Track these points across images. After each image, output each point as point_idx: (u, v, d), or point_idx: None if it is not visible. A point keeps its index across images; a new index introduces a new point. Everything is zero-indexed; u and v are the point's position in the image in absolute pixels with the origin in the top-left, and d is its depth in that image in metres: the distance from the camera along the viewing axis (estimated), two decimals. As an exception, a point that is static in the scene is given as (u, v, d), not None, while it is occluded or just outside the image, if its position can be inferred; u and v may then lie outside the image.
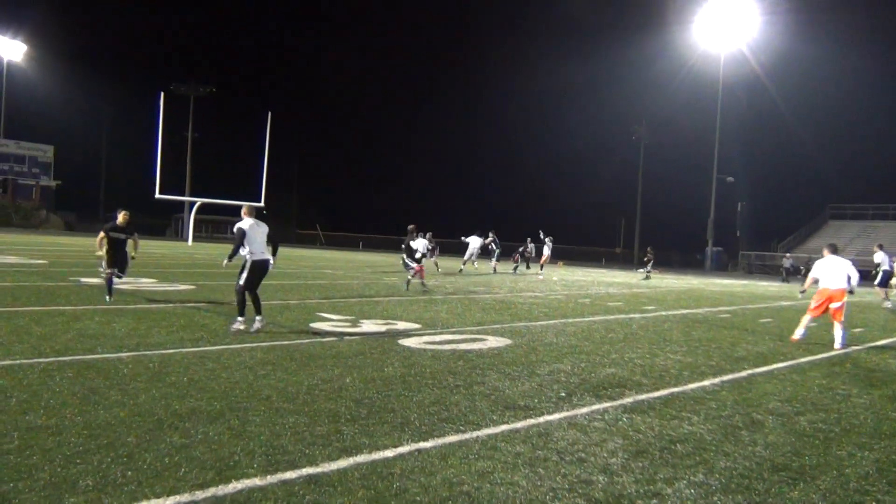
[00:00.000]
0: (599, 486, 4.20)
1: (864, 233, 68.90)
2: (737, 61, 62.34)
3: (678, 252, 75.51)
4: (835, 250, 12.03)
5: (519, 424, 5.49)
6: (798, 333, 11.77)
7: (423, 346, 9.05)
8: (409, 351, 8.70)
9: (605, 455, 4.81)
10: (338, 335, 9.56)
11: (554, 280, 28.47)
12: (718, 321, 14.61)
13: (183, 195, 54.20)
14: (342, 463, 4.36)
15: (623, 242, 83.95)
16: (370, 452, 4.59)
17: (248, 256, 9.50)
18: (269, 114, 30.51)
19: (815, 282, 11.76)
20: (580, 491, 4.09)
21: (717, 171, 63.85)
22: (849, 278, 11.49)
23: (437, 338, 9.88)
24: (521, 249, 36.49)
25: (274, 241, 10.01)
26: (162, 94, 27.18)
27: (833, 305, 11.32)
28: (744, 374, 8.35)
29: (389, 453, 4.60)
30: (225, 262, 9.83)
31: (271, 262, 9.86)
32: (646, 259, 37.41)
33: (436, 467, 4.37)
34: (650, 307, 17.21)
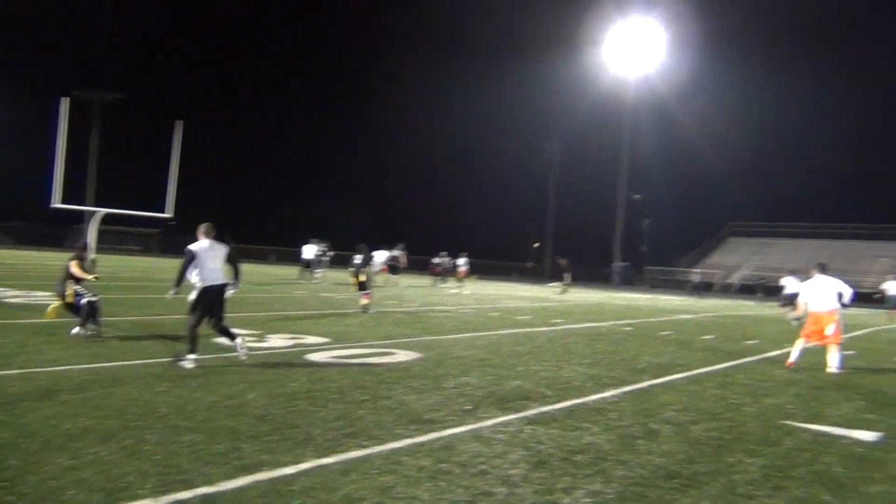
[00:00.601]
0: (500, 497, 4.24)
1: (762, 249, 72.49)
2: (644, 84, 64.77)
3: (587, 267, 77.42)
4: (823, 270, 11.49)
5: (423, 438, 5.49)
6: (792, 357, 11.10)
7: (331, 361, 8.96)
8: (317, 365, 8.59)
9: (507, 466, 4.87)
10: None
11: (466, 294, 28.70)
12: (622, 334, 15.04)
13: (84, 205, 51.99)
14: (240, 481, 4.26)
15: (537, 257, 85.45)
16: (270, 470, 4.50)
17: (198, 283, 8.31)
18: (181, 123, 29.66)
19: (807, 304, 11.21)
20: (480, 503, 4.13)
21: (624, 188, 65.95)
22: (839, 296, 11.01)
23: (346, 352, 9.80)
24: (436, 262, 36.68)
25: (235, 262, 8.86)
26: (64, 100, 25.99)
27: (827, 331, 10.76)
28: (644, 384, 8.62)
29: (290, 470, 4.52)
30: (171, 291, 8.38)
31: (229, 286, 8.61)
32: (564, 270, 37.92)
33: (337, 483, 4.33)
34: (558, 321, 17.57)
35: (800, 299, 11.56)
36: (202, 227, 8.63)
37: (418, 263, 48.87)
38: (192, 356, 8.02)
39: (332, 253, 30.90)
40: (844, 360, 10.85)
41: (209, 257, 8.36)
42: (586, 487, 4.52)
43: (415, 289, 30.59)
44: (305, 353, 9.45)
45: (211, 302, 8.34)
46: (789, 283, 23.73)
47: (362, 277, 16.49)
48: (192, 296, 8.35)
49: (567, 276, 36.86)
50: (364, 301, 16.40)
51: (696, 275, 48.33)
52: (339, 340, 10.98)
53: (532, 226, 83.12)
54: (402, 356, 9.71)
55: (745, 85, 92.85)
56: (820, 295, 11.11)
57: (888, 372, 11.13)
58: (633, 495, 4.43)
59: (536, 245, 37.03)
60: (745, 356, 12.17)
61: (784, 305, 23.58)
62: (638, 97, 65.47)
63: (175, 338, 9.90)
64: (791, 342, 15.16)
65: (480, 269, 63.89)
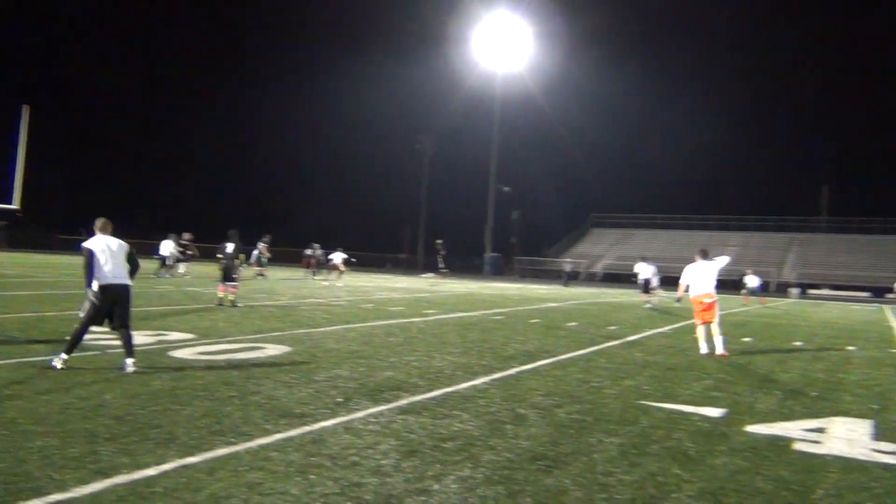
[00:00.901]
0: (370, 487, 4.26)
1: (622, 240, 76.18)
2: (513, 79, 66.38)
3: (459, 258, 78.66)
4: (705, 255, 12.27)
5: (293, 432, 5.42)
6: (703, 348, 11.64)
7: (197, 357, 8.66)
8: (181, 362, 8.28)
9: (378, 457, 4.89)
10: (99, 349, 8.86)
11: (338, 286, 28.47)
12: (492, 323, 15.42)
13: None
14: (97, 486, 4.05)
15: (408, 248, 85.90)
16: (130, 472, 4.30)
17: (94, 282, 7.70)
18: (27, 108, 27.54)
19: (687, 289, 12.02)
20: (351, 494, 4.13)
21: (494, 180, 67.40)
22: (714, 280, 11.84)
23: (212, 348, 9.50)
24: (308, 254, 36.16)
25: (133, 261, 8.14)
26: None
27: (706, 311, 11.59)
28: (512, 371, 8.88)
29: (152, 471, 4.34)
30: (90, 294, 7.70)
31: (131, 285, 8.11)
32: (440, 255, 38.41)
33: (203, 482, 4.20)
34: (430, 311, 17.77)
35: (681, 282, 12.31)
36: (98, 223, 8.04)
37: (291, 256, 47.96)
38: (64, 356, 7.49)
39: (186, 244, 28.86)
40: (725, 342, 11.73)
41: (108, 254, 7.77)
42: (456, 473, 4.62)
43: (286, 281, 30.04)
44: (169, 350, 9.08)
45: (110, 303, 7.75)
46: (642, 270, 25.60)
47: (244, 266, 16.08)
48: (88, 296, 7.73)
49: (441, 259, 37.65)
50: (231, 295, 15.91)
51: (567, 264, 50.10)
52: (204, 336, 10.63)
53: (406, 217, 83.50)
54: (272, 350, 9.52)
55: (609, 81, 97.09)
56: (699, 279, 11.90)
57: (735, 353, 12.00)
58: (501, 478, 4.57)
59: (440, 246, 37.91)
60: (606, 341, 12.78)
61: (645, 292, 25.39)
62: (506, 91, 67.03)
63: (27, 341, 9.26)
64: (648, 327, 16.08)
65: (354, 261, 63.52)
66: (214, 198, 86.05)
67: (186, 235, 29.36)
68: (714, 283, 11.87)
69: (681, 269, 12.57)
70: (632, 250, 69.47)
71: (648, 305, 24.42)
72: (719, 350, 11.46)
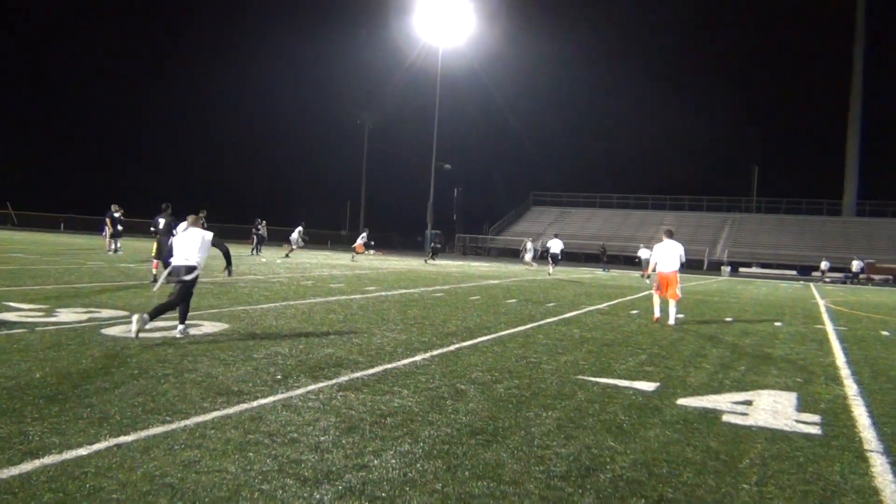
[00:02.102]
0: (309, 464, 4.25)
1: (561, 218, 77.19)
2: (455, 55, 66.15)
3: (400, 235, 78.54)
4: (671, 235, 13.41)
5: (231, 410, 5.36)
6: (656, 312, 13.23)
7: (130, 335, 8.45)
8: (114, 340, 8.08)
9: (318, 434, 4.88)
10: (28, 326, 8.57)
11: (277, 263, 28.12)
12: (433, 300, 15.48)
13: None
14: (25, 467, 3.93)
15: (349, 225, 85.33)
16: (60, 452, 4.19)
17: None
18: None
19: (656, 265, 13.14)
20: (290, 471, 4.11)
21: (435, 157, 67.29)
22: (680, 258, 13.02)
23: (147, 325, 9.27)
24: (255, 231, 35.65)
25: (207, 249, 9.28)
26: None
27: (673, 288, 12.86)
28: (452, 347, 8.95)
29: (83, 451, 4.24)
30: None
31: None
32: (369, 242, 38.98)
33: (137, 462, 4.12)
34: (371, 288, 17.73)
35: (650, 260, 13.44)
36: (190, 217, 9.33)
37: (233, 232, 47.10)
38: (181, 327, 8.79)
39: (116, 217, 27.17)
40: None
41: (186, 240, 8.92)
42: (395, 448, 4.64)
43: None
44: (101, 328, 8.85)
45: (175, 280, 8.90)
46: (553, 245, 33.27)
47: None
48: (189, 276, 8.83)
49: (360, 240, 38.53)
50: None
51: (529, 243, 50.09)
52: (138, 313, 10.36)
53: (347, 194, 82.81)
54: (209, 328, 9.37)
55: (550, 59, 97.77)
56: (666, 257, 13.00)
57: (667, 328, 12.34)
58: (440, 453, 4.61)
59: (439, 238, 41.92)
60: (545, 318, 12.97)
61: (555, 263, 33.08)
62: (448, 67, 66.79)
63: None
64: (586, 304, 16.38)
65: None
66: (155, 172, 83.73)
67: (114, 208, 27.81)
68: (678, 261, 12.98)
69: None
70: (570, 228, 70.52)
71: (550, 273, 31.65)
72: (671, 321, 12.85)
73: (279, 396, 5.87)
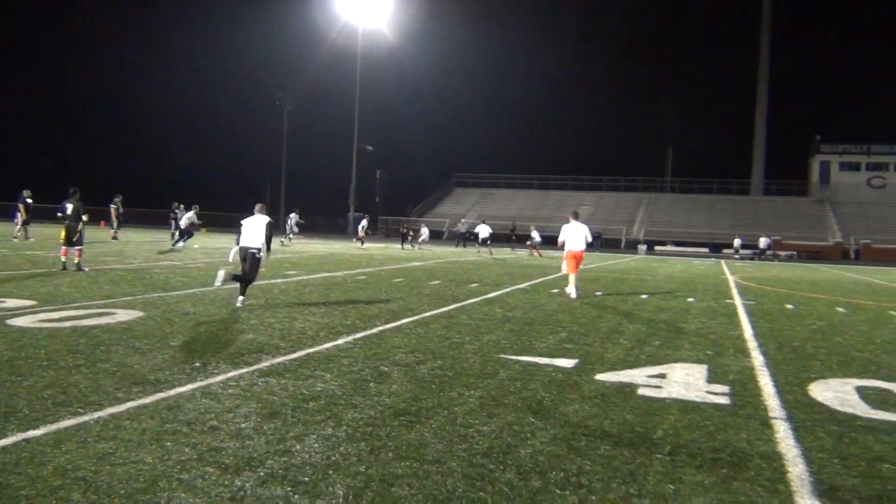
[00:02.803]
0: (230, 451, 4.19)
1: (483, 199, 77.77)
2: (376, 35, 65.41)
3: (323, 217, 77.67)
4: (577, 216, 14.61)
5: (147, 400, 5.21)
6: (573, 292, 14.11)
7: (39, 325, 8.11)
8: (21, 331, 7.73)
9: (238, 420, 4.81)
10: (-75, 319, 8.11)
11: (195, 248, 27.40)
12: (356, 283, 15.39)
13: None
14: (-76, 466, 3.74)
15: (269, 209, 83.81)
16: (-37, 449, 4.00)
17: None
18: None
19: (563, 244, 14.26)
20: (209, 459, 4.04)
21: (357, 139, 66.64)
22: (586, 238, 14.16)
23: (56, 315, 8.92)
24: (173, 215, 34.60)
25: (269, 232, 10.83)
26: None
27: (578, 264, 14.21)
28: (375, 330, 8.93)
29: (-12, 448, 4.06)
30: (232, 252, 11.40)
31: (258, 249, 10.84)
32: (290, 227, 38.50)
33: (47, 456, 3.97)
34: (292, 272, 17.49)
35: (559, 239, 14.44)
36: (257, 206, 11.36)
37: (147, 217, 45.61)
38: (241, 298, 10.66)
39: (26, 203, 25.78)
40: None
41: (247, 225, 10.85)
42: (318, 433, 4.62)
43: (139, 244, 28.56)
44: (6, 319, 8.45)
45: (242, 259, 10.88)
46: (482, 230, 36.04)
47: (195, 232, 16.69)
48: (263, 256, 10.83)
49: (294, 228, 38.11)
50: (76, 258, 14.95)
51: (462, 224, 49.80)
52: (47, 302, 9.96)
53: (266, 176, 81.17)
54: (123, 316, 9.07)
55: (471, 41, 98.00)
56: (574, 237, 14.17)
57: (587, 307, 12.65)
58: (363, 435, 4.62)
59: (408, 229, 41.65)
60: (468, 298, 13.09)
61: (483, 245, 35.80)
62: (368, 48, 66.05)
63: None
64: (507, 284, 16.60)
65: (213, 222, 61.25)
66: (65, 155, 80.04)
67: (27, 193, 26.46)
68: (584, 240, 14.17)
69: (542, 227, 14.54)
70: (492, 209, 71.15)
71: (486, 254, 34.01)
72: (574, 294, 14.05)
73: (198, 384, 5.75)
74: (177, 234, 33.47)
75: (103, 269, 15.64)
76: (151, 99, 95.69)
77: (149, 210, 59.19)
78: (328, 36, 65.82)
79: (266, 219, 10.87)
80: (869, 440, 5.07)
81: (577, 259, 14.23)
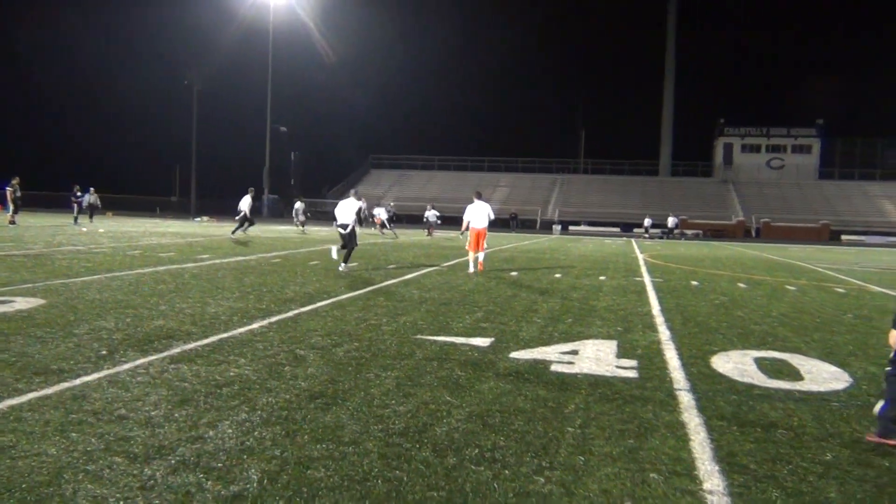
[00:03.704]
0: (139, 440, 4.08)
1: (400, 181, 77.58)
2: (288, 12, 63.92)
3: (236, 200, 75.87)
4: (480, 196, 16.09)
5: (50, 390, 5.01)
6: (471, 268, 15.40)
7: (333, 256, 7.67)
8: None
9: (148, 409, 4.68)
10: None
11: (100, 232, 26.34)
12: (271, 266, 15.14)
13: None
14: None
15: (179, 191, 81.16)
16: None
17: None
18: None
19: (468, 223, 15.52)
20: (118, 449, 3.93)
21: (270, 120, 65.24)
22: (489, 216, 15.49)
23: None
24: (75, 198, 33.08)
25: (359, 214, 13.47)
26: None
27: (481, 240, 15.40)
28: (291, 314, 8.83)
29: None
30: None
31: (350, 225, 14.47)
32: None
33: (-60, 452, 3.78)
34: (204, 256, 17.05)
35: (464, 218, 15.73)
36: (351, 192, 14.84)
37: (49, 200, 43.55)
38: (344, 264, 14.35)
39: None
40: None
41: (341, 206, 14.66)
42: (232, 418, 4.55)
43: (41, 228, 27.23)
44: None
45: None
46: (380, 212, 35.03)
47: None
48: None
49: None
50: None
51: (432, 212, 45.44)
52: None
53: (176, 158, 78.61)
54: (23, 304, 8.66)
55: (386, 21, 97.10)
56: (477, 216, 15.48)
57: (502, 285, 12.85)
58: (279, 419, 4.58)
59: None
60: (385, 280, 13.08)
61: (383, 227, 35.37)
62: (280, 25, 64.54)
63: None
64: (425, 265, 16.67)
65: (119, 205, 59.02)
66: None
67: None
68: (487, 218, 15.50)
69: (457, 208, 15.48)
70: (409, 191, 71.12)
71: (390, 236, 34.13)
72: (473, 268, 15.36)
73: (105, 373, 5.56)
74: (79, 217, 31.98)
75: (0, 256, 14.86)
76: (52, 78, 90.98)
77: (50, 193, 56.49)
78: (238, 13, 63.91)
79: (356, 203, 14.78)
80: (765, 408, 5.36)
81: (479, 236, 15.39)
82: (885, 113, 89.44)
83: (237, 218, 28.21)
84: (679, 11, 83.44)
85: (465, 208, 15.99)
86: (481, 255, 15.72)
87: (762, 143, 79.33)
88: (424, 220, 37.65)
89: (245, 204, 27.56)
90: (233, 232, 27.49)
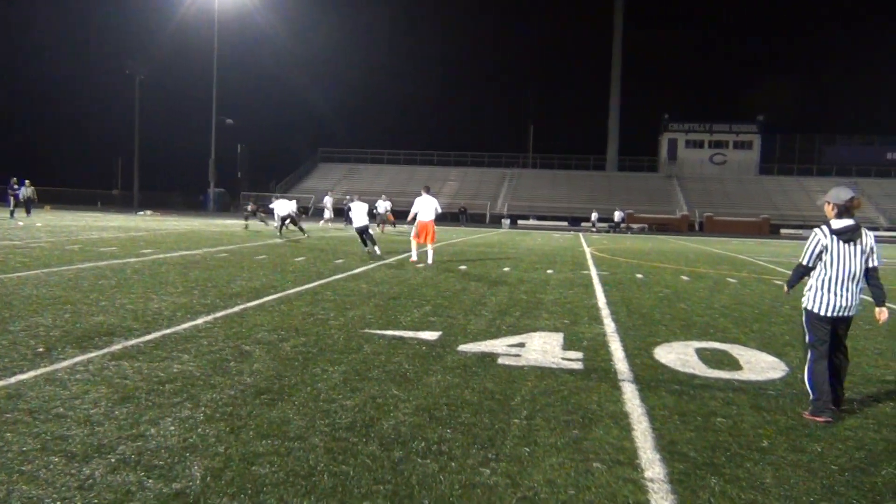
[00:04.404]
0: (78, 439, 3.98)
1: (349, 174, 77.06)
2: (235, 1, 62.70)
3: (180, 193, 74.35)
4: (428, 190, 16.83)
5: (-17, 389, 4.85)
6: (414, 256, 16.23)
7: (378, 253, 7.37)
8: None
9: (87, 407, 4.57)
10: None
11: (38, 226, 25.53)
12: (216, 261, 14.90)
13: None
14: None
15: (121, 184, 79.14)
16: None
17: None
18: None
19: (415, 216, 16.25)
20: (55, 448, 3.83)
21: (216, 112, 64.02)
22: (436, 210, 16.32)
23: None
24: (14, 191, 31.92)
25: (371, 212, 14.70)
26: None
27: (429, 233, 16.00)
28: (237, 309, 8.70)
29: None
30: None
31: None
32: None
33: None
34: (147, 250, 16.68)
35: (412, 210, 16.40)
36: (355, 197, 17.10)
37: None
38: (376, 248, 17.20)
39: None
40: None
41: (355, 209, 17.83)
42: (174, 415, 4.47)
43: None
44: None
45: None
46: (279, 207, 26.30)
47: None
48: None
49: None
50: None
51: (385, 204, 42.22)
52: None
53: (118, 150, 76.66)
54: (-45, 300, 8.35)
55: (334, 13, 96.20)
56: (426, 209, 16.20)
57: (451, 279, 12.88)
58: (223, 415, 4.52)
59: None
60: (333, 274, 12.99)
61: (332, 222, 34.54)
62: (226, 14, 63.30)
63: None
64: (373, 260, 16.60)
65: (58, 199, 57.28)
66: None
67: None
68: (434, 212, 16.25)
69: (406, 202, 15.87)
70: (359, 185, 70.68)
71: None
72: (429, 261, 15.86)
73: (41, 371, 5.40)
74: (15, 211, 30.92)
75: (-70, 251, 14.30)
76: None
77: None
78: (183, 0, 62.42)
79: (365, 205, 18.19)
80: (705, 397, 5.50)
81: (426, 229, 16.07)
82: (823, 110, 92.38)
83: (280, 223, 26.14)
84: (626, 8, 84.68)
85: (413, 202, 16.43)
86: (430, 249, 16.18)
87: (705, 138, 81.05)
88: (374, 211, 34.08)
89: (285, 208, 25.55)
90: (279, 231, 25.47)
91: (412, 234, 16.50)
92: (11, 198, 32.49)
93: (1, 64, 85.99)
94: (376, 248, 17.80)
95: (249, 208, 33.13)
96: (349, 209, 25.21)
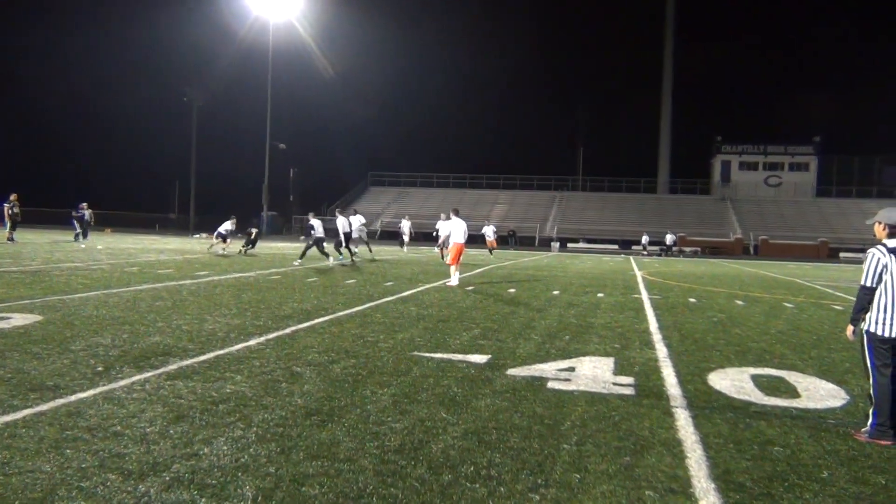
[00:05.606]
0: (134, 457, 4.07)
1: (399, 198, 77.72)
2: (287, 30, 64.17)
3: (237, 217, 75.91)
4: (457, 213, 17.49)
5: (45, 406, 5.00)
6: (454, 281, 16.27)
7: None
8: None
9: (143, 425, 4.67)
10: None
11: (99, 248, 26.34)
12: (269, 283, 15.14)
13: None
14: None
15: (178, 208, 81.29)
16: None
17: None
18: None
19: (447, 238, 17.14)
20: (112, 466, 3.92)
21: (269, 137, 65.35)
22: (465, 233, 16.76)
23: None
24: (78, 215, 33.00)
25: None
26: None
27: (459, 255, 16.54)
28: (288, 330, 8.82)
29: None
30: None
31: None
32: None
33: (-66, 469, 3.77)
34: (203, 273, 17.05)
35: (442, 234, 17.60)
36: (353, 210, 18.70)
37: (49, 217, 43.58)
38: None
39: None
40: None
41: (354, 222, 19.17)
42: (227, 435, 4.54)
43: (38, 245, 27.23)
44: None
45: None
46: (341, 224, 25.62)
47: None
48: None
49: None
50: None
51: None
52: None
53: (176, 175, 78.82)
54: (20, 320, 8.65)
55: (383, 37, 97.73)
56: (457, 231, 16.72)
57: (499, 303, 12.85)
58: (274, 436, 4.57)
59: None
60: (383, 297, 13.08)
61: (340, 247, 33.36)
62: (280, 43, 64.75)
63: None
64: (423, 282, 16.66)
65: (118, 222, 59.11)
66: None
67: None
68: (464, 235, 16.84)
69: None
70: (409, 208, 71.19)
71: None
72: (455, 282, 16.22)
73: (100, 389, 5.55)
74: (80, 234, 31.95)
75: (-2, 272, 14.86)
76: (53, 94, 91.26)
77: (48, 210, 56.53)
78: (238, 31, 64.21)
79: (361, 218, 19.56)
80: (761, 425, 5.35)
81: (458, 250, 16.57)
82: (882, 130, 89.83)
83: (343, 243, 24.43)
84: (676, 28, 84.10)
85: (479, 226, 17.18)
86: (456, 276, 16.56)
87: (759, 160, 79.59)
88: (434, 233, 34.02)
89: (347, 225, 24.24)
90: (339, 252, 24.51)
91: (448, 258, 17.00)
92: (76, 221, 33.56)
93: (68, 92, 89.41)
94: (330, 259, 20.96)
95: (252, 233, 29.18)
96: (311, 226, 23.27)
